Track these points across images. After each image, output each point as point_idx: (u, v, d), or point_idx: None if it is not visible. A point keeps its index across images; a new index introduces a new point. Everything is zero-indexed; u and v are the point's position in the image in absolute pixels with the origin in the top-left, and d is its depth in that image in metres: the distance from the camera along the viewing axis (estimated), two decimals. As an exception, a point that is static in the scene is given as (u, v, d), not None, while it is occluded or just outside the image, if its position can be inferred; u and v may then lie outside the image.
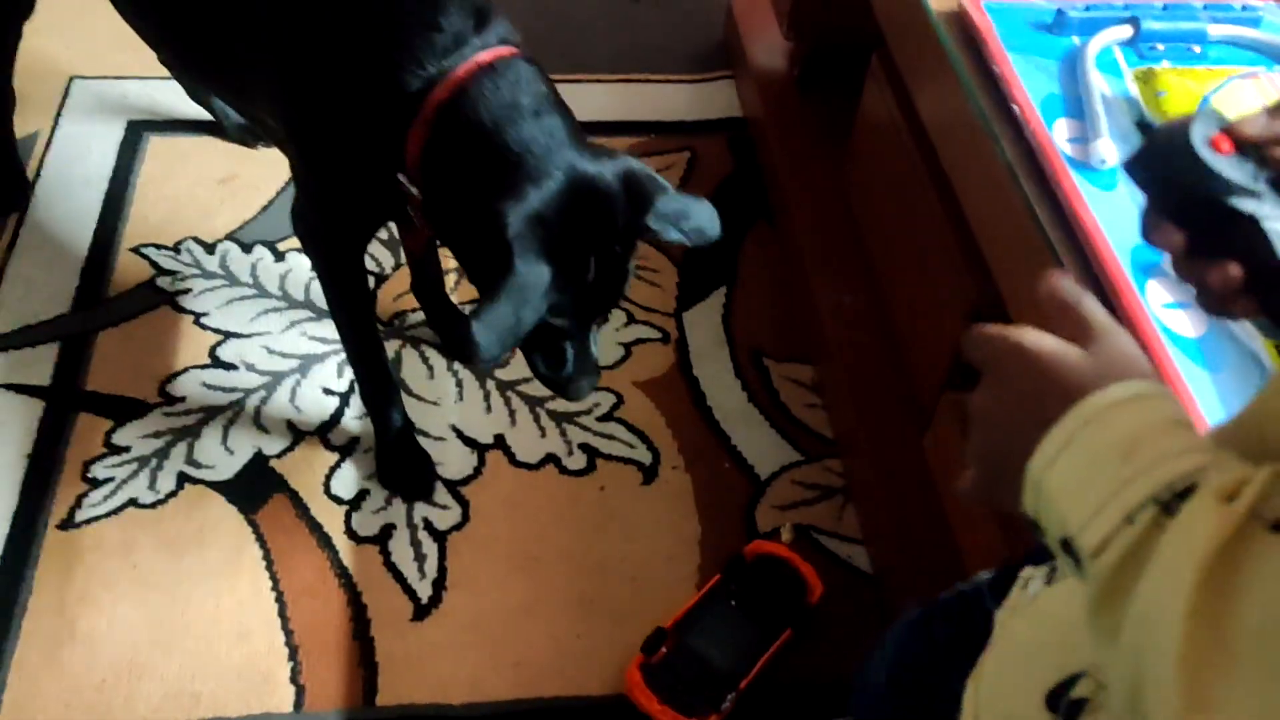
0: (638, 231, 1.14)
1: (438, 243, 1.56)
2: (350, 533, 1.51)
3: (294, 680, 1.36)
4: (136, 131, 2.00)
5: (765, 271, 1.88)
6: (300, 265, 1.80)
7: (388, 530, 1.51)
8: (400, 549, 1.49)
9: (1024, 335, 0.53)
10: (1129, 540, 0.43)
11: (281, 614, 1.42)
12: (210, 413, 1.62)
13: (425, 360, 1.71)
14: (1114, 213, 0.98)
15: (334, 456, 1.59)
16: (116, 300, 1.75)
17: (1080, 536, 0.45)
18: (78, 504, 1.50)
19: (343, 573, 1.46)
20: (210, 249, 1.83)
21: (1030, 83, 1.12)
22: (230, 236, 1.85)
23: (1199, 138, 0.60)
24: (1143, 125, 0.64)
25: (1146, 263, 0.95)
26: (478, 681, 1.38)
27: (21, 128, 1.89)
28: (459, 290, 1.79)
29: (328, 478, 1.56)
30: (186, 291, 1.76)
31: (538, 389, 1.66)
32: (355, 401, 1.62)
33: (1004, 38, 1.16)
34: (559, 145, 1.11)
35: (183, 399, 1.63)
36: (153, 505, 1.51)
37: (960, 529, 1.27)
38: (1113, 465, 0.45)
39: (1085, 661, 0.58)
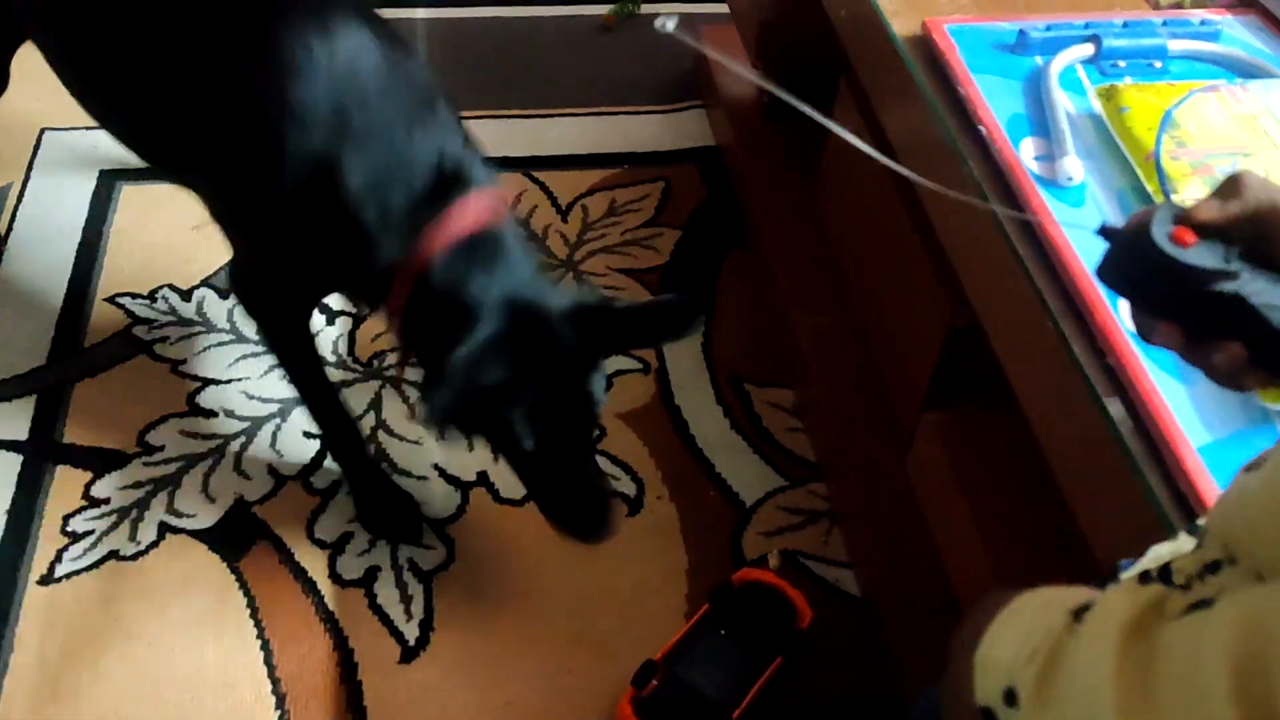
0: (589, 358, 1.25)
1: None
2: (335, 576, 1.49)
3: (282, 729, 1.35)
4: (109, 181, 2.00)
5: (743, 298, 1.89)
6: (277, 309, 1.79)
7: (372, 573, 1.50)
8: (386, 591, 1.48)
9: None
10: (1052, 641, 0.51)
11: (268, 662, 1.40)
12: (190, 461, 1.60)
13: (406, 400, 1.70)
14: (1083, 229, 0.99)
15: (316, 500, 1.57)
16: (93, 351, 1.74)
17: (1016, 665, 0.53)
18: (58, 558, 1.48)
19: (328, 617, 1.45)
20: (186, 296, 1.82)
21: (996, 103, 1.13)
22: (206, 283, 1.85)
23: (1161, 236, 0.61)
24: (1104, 230, 0.65)
25: (1117, 277, 0.95)
26: (468, 722, 1.37)
27: (-7, 181, 1.88)
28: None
29: (311, 522, 1.55)
30: (163, 339, 1.75)
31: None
32: (336, 444, 1.61)
33: (968, 59, 1.18)
34: (513, 294, 1.21)
35: (162, 448, 1.62)
36: (134, 557, 1.49)
37: (946, 549, 1.27)
38: (1031, 614, 0.55)
39: None
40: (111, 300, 1.81)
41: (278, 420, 1.66)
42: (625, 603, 1.48)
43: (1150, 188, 0.99)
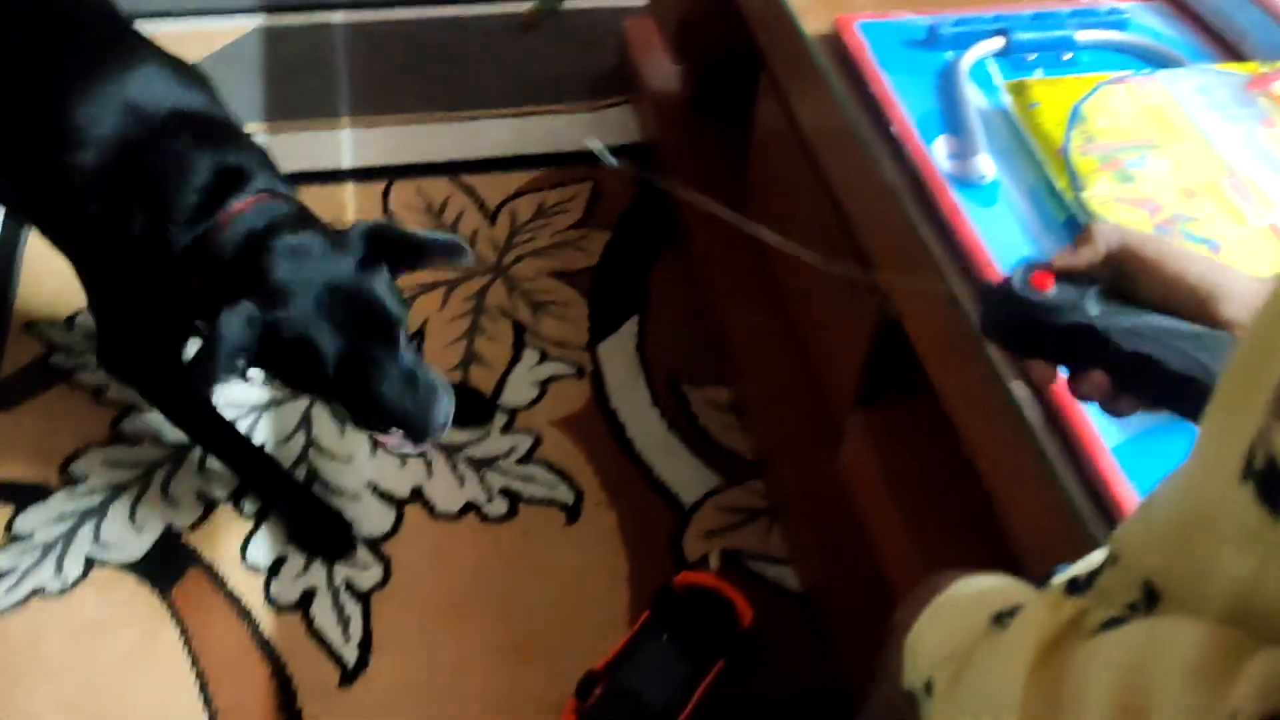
0: (372, 270, 1.28)
1: None
2: (270, 601, 1.47)
3: (220, 762, 1.32)
4: (20, 203, 1.94)
5: (677, 297, 1.88)
6: (201, 329, 1.75)
7: (308, 595, 1.47)
8: (323, 613, 1.46)
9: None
10: (969, 645, 0.51)
11: (203, 693, 1.38)
12: (115, 490, 1.57)
13: (335, 418, 1.67)
14: (996, 227, 0.99)
15: (249, 523, 1.54)
16: (9, 382, 1.69)
17: (936, 660, 0.53)
18: (-20, 599, 1.44)
19: (264, 644, 1.42)
20: (105, 319, 1.78)
21: (908, 100, 1.13)
22: (126, 305, 1.80)
23: (1020, 283, 0.68)
24: (980, 289, 0.72)
25: (1031, 274, 0.95)
26: (411, 744, 1.35)
27: (-103, 209, 1.82)
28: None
29: (244, 546, 1.52)
30: (83, 367, 1.71)
31: (453, 436, 1.64)
32: (266, 465, 1.58)
33: (879, 57, 1.17)
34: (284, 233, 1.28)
35: (86, 478, 1.58)
36: (60, 593, 1.46)
37: (879, 545, 1.28)
38: (958, 612, 0.56)
39: None
40: (27, 328, 1.76)
41: (205, 444, 1.63)
42: (567, 613, 1.47)
43: (1060, 184, 1.00)
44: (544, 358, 1.76)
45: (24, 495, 1.55)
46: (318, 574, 1.50)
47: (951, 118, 1.11)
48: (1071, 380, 0.68)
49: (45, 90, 1.34)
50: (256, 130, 2.10)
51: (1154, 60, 1.19)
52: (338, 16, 2.42)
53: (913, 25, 1.21)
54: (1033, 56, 1.18)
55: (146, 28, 1.49)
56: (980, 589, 0.57)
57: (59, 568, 1.48)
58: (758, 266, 1.70)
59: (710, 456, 1.66)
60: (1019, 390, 0.89)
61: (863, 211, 1.17)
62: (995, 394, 0.91)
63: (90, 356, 1.72)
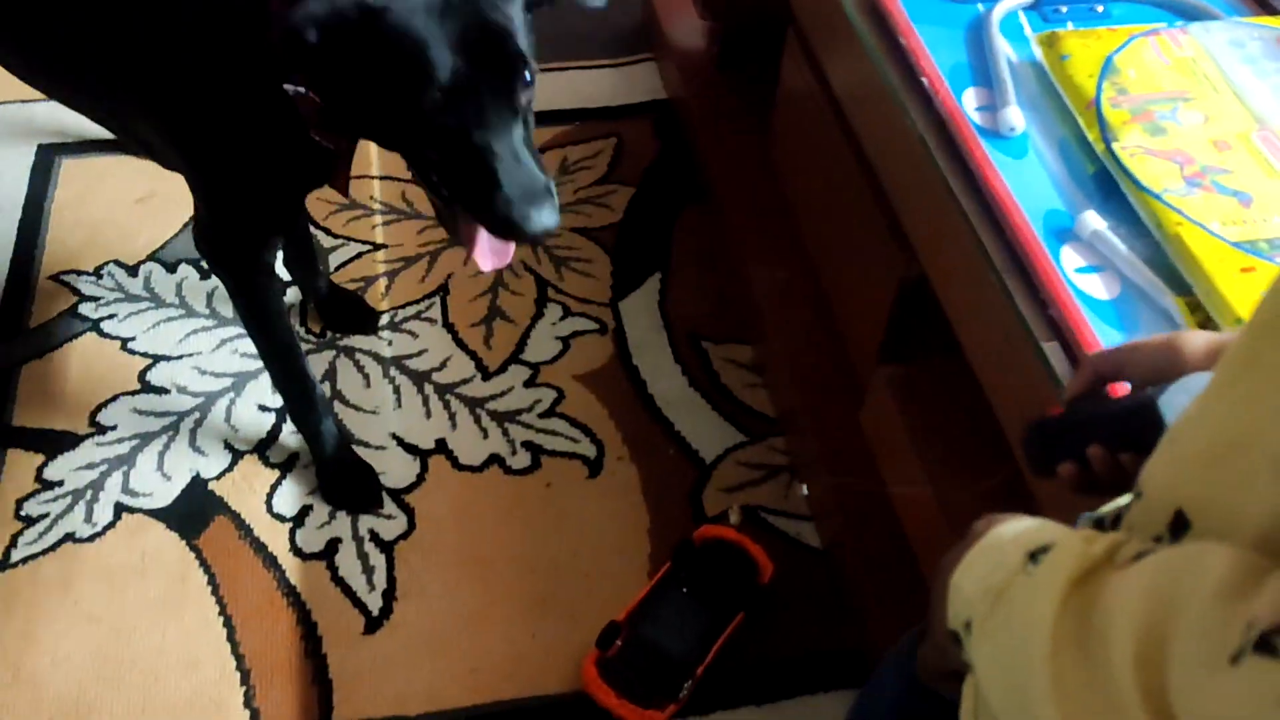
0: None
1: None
2: (296, 550, 1.49)
3: (248, 705, 1.35)
4: (48, 155, 1.96)
5: (698, 253, 1.88)
6: (227, 281, 1.76)
7: (333, 545, 1.49)
8: (347, 563, 1.48)
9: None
10: (1006, 578, 0.52)
11: (230, 639, 1.40)
12: (144, 439, 1.59)
13: (361, 369, 1.68)
14: (1026, 179, 0.99)
15: (274, 474, 1.56)
16: (38, 331, 1.71)
17: (974, 599, 0.54)
18: (13, 543, 1.47)
19: (290, 591, 1.45)
20: (133, 271, 1.79)
21: (938, 53, 1.12)
22: (153, 257, 1.82)
23: (1035, 420, 0.75)
24: (1027, 429, 0.76)
25: (1060, 228, 0.95)
26: (434, 691, 1.37)
27: (-74, 160, 1.84)
28: (389, 296, 1.78)
29: (269, 496, 1.54)
30: (111, 317, 1.73)
31: (476, 389, 1.65)
32: (292, 416, 1.59)
33: (910, 9, 1.16)
34: None
35: (114, 427, 1.60)
36: (90, 538, 1.48)
37: (900, 502, 1.28)
38: (998, 551, 0.56)
39: None
40: (56, 278, 1.78)
41: (231, 395, 1.64)
42: (588, 565, 1.49)
43: (1091, 136, 0.99)
44: (567, 313, 1.77)
45: (54, 443, 1.57)
46: (342, 524, 1.51)
47: (982, 70, 1.10)
48: (1079, 478, 0.71)
49: None
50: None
51: (1187, 13, 1.17)
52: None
53: (944, -23, 1.20)
54: (1064, 9, 1.17)
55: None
56: (1018, 530, 0.57)
57: (89, 514, 1.50)
58: (780, 224, 1.69)
59: (731, 412, 1.66)
60: (1048, 348, 0.89)
61: (891, 165, 1.17)
62: (1022, 346, 0.91)
63: (119, 305, 1.74)
